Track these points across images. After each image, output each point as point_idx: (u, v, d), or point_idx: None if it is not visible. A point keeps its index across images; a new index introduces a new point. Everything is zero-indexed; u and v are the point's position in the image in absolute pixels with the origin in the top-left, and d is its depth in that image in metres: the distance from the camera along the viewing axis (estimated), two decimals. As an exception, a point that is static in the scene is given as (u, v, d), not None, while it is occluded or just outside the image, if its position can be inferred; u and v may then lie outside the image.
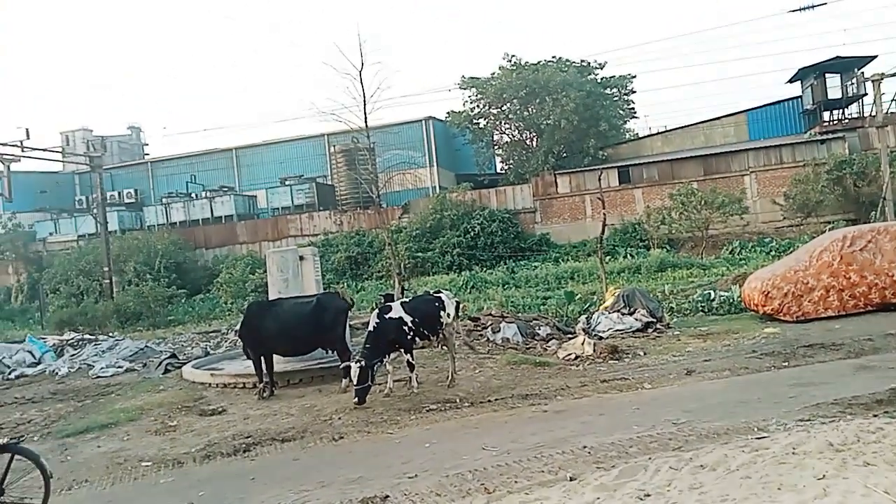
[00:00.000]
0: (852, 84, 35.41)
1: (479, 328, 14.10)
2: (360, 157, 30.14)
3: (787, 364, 9.97)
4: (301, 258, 13.32)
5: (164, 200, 42.31)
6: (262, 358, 10.79)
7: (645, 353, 11.72)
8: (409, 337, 10.00)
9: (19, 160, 27.64)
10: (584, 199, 34.64)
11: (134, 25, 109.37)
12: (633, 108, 43.43)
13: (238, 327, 11.56)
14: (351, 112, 20.21)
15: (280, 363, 11.42)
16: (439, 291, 11.08)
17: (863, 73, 33.25)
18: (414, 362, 10.19)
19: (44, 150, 29.20)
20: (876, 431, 5.98)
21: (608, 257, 27.53)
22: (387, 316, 10.00)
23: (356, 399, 9.34)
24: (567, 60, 40.17)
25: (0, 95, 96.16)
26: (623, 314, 13.98)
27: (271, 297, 12.66)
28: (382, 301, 11.39)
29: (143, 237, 36.84)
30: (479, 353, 12.57)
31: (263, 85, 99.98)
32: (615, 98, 42.00)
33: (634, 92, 42.38)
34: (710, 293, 16.80)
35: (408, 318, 10.00)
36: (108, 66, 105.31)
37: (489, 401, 9.50)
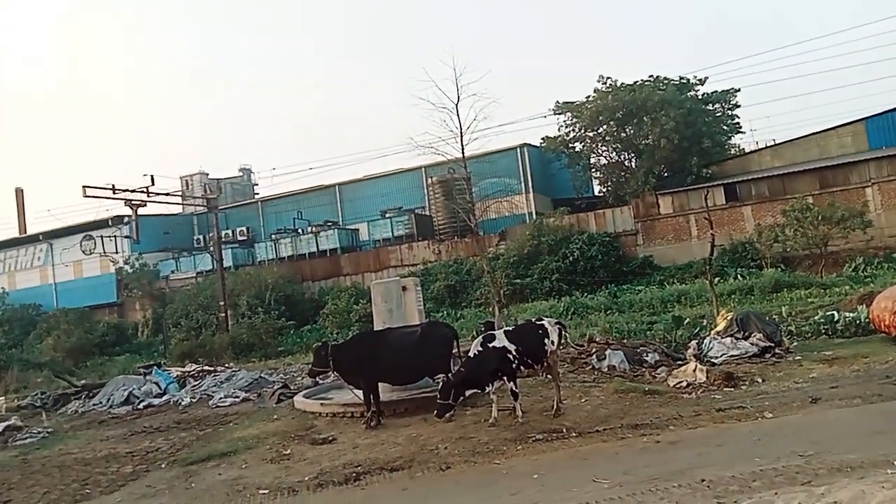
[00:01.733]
0: None
1: (583, 355, 13.79)
2: (456, 187, 30.58)
3: (927, 391, 9.11)
4: (404, 288, 13.57)
5: (273, 237, 44.53)
6: (368, 387, 11.03)
7: (763, 380, 11.05)
8: (513, 366, 9.94)
9: (145, 205, 30.06)
10: (688, 219, 33.40)
11: (247, 75, 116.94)
12: (737, 123, 41.67)
13: (316, 364, 11.58)
14: (447, 144, 20.58)
15: (386, 392, 11.62)
16: (541, 318, 10.95)
17: None
18: (518, 391, 10.10)
19: (166, 194, 31.64)
20: None
21: (718, 278, 26.30)
22: (490, 345, 10.00)
23: (435, 413, 9.66)
24: (665, 78, 39.21)
25: (130, 146, 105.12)
26: (737, 339, 13.27)
27: (376, 326, 12.94)
28: (483, 329, 11.42)
29: (254, 272, 38.88)
30: (584, 382, 12.29)
31: (364, 122, 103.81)
32: (718, 114, 40.47)
33: (739, 106, 40.69)
34: (833, 314, 15.66)
35: (511, 347, 9.96)
36: (223, 112, 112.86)
37: (597, 431, 9.23)
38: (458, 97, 19.37)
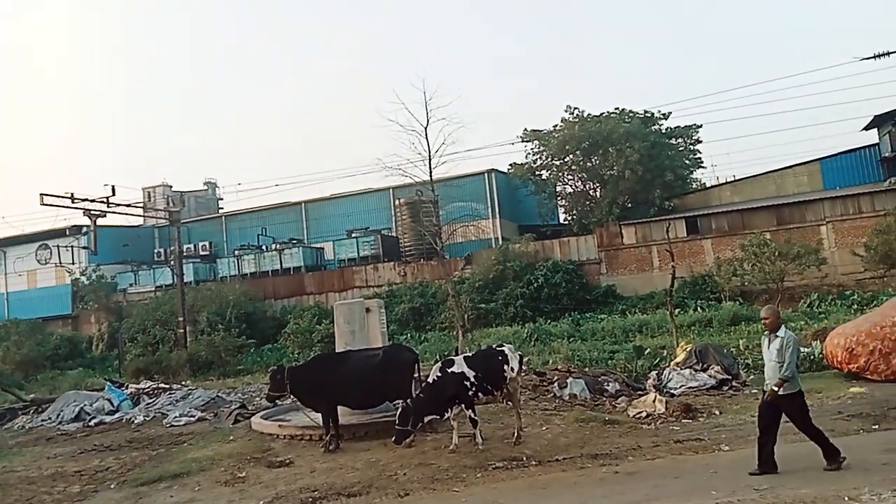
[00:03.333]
0: (935, 129, 33.95)
1: (545, 383, 13.85)
2: (423, 210, 30.65)
3: (876, 427, 9.37)
4: (367, 310, 13.48)
5: (236, 253, 43.88)
6: (328, 410, 10.88)
7: (721, 413, 11.24)
8: (470, 392, 9.93)
9: (105, 215, 29.36)
10: (650, 250, 34.01)
11: (215, 85, 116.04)
12: (699, 158, 42.68)
13: (273, 389, 11.30)
14: (416, 166, 20.69)
15: (345, 415, 11.48)
16: (502, 345, 11.00)
17: (947, 118, 31.89)
18: (477, 418, 10.08)
19: (127, 205, 30.95)
20: (984, 506, 5.52)
21: (677, 310, 26.75)
22: (449, 370, 9.99)
23: (394, 439, 9.62)
24: (630, 112, 40.13)
25: (91, 154, 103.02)
26: (696, 370, 13.49)
27: (338, 348, 12.82)
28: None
29: (215, 288, 38.19)
30: (545, 410, 12.33)
31: (333, 142, 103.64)
32: (680, 148, 41.46)
33: (700, 142, 41.73)
34: (788, 349, 16.01)
35: (470, 373, 9.96)
36: (189, 123, 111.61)
37: (557, 460, 9.26)
38: (428, 120, 19.56)
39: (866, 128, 37.32)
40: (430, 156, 19.70)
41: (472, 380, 9.98)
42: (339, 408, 11.12)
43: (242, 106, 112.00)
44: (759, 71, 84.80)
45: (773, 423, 7.72)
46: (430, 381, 10.04)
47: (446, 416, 10.07)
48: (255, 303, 37.76)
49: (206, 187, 60.05)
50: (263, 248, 43.62)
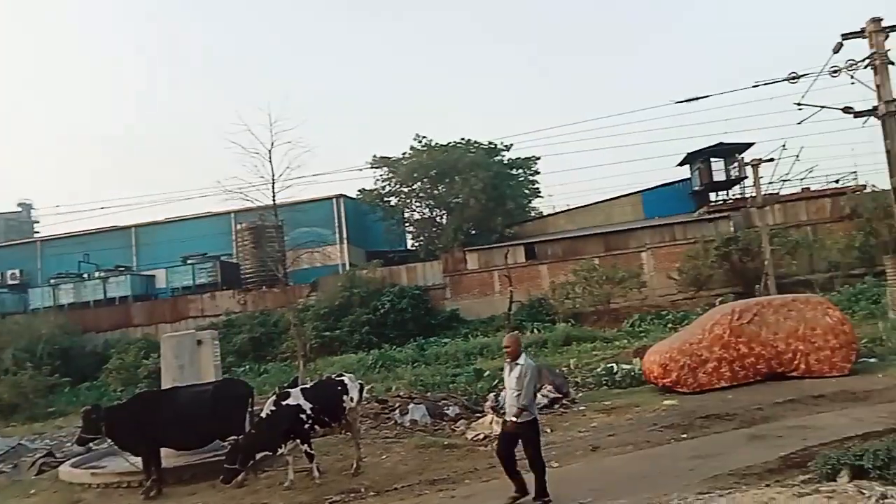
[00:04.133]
0: (734, 168, 38.56)
1: (386, 410, 13.72)
2: (267, 235, 29.60)
3: (685, 436, 10.20)
4: (199, 342, 12.66)
5: (52, 281, 39.71)
6: (150, 453, 9.99)
7: (552, 430, 11.70)
8: (306, 426, 9.56)
9: None
10: (492, 275, 35.25)
11: (30, 97, 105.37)
12: (537, 188, 45.22)
13: (85, 431, 10.22)
14: (258, 190, 19.94)
15: (170, 457, 10.61)
16: (342, 375, 10.76)
17: (742, 158, 36.38)
18: (313, 452, 9.71)
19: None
20: (768, 501, 6.12)
21: (516, 332, 27.85)
22: (284, 403, 9.56)
23: (221, 478, 9.07)
24: (475, 142, 41.72)
25: None
26: (530, 391, 13.98)
27: (164, 384, 11.90)
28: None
29: (25, 321, 34.29)
30: (386, 438, 12.18)
31: (169, 163, 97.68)
32: (521, 178, 43.69)
33: (539, 173, 44.27)
34: (612, 366, 17.17)
35: (307, 406, 9.59)
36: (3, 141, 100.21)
37: (395, 488, 9.14)
38: (272, 143, 18.94)
39: (680, 164, 41.61)
40: (273, 179, 19.07)
41: (309, 412, 9.62)
42: (164, 449, 10.26)
43: (66, 122, 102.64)
44: (591, 109, 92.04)
45: (514, 451, 7.68)
46: (264, 416, 9.55)
47: (280, 452, 9.59)
48: (72, 337, 34.35)
49: (19, 209, 54.09)
50: (85, 276, 39.83)
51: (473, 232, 39.61)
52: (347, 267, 38.34)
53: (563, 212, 43.66)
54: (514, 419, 7.45)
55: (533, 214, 45.69)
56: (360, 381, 10.76)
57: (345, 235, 41.07)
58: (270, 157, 19.01)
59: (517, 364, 7.55)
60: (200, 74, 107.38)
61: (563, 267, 33.91)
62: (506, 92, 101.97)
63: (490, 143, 42.05)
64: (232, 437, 9.72)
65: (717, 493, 6.93)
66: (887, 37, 16.78)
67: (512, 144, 42.31)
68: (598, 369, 17.44)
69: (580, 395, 14.93)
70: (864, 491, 5.70)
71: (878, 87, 16.88)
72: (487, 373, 18.63)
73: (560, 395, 13.75)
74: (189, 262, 38.92)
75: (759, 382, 13.53)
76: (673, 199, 41.41)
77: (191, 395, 10.59)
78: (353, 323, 32.09)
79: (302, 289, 35.79)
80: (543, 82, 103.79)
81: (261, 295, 36.18)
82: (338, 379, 10.49)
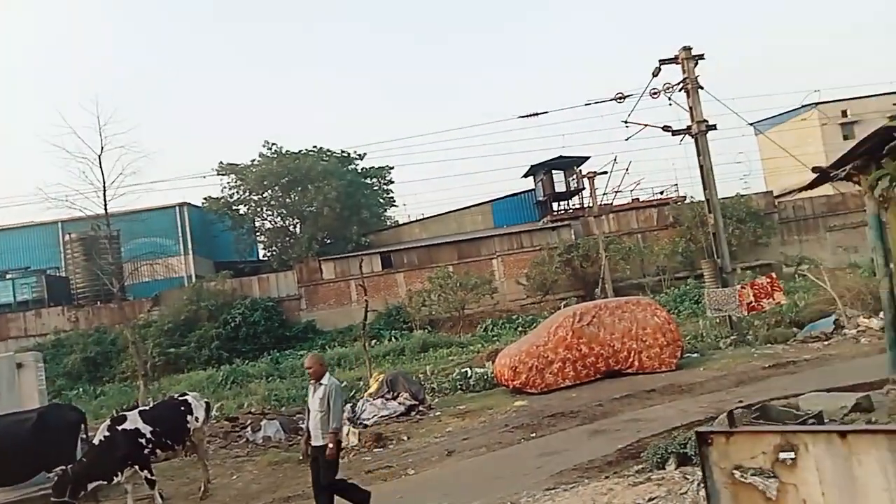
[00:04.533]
0: (573, 179, 41.17)
1: (237, 428, 13.16)
2: (100, 247, 27.32)
3: (534, 435, 10.73)
4: (19, 365, 11.45)
5: None
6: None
7: (409, 438, 11.84)
8: (146, 451, 8.93)
9: None
10: (349, 285, 34.93)
11: None
12: (392, 197, 45.58)
13: None
14: (88, 199, 18.42)
15: (-13, 496, 9.48)
16: (185, 394, 10.18)
17: (580, 170, 38.95)
18: (154, 478, 9.08)
19: None
20: (608, 492, 6.60)
21: (374, 341, 27.83)
22: (120, 428, 8.86)
23: None
24: (328, 150, 41.19)
25: None
26: (387, 399, 14.06)
27: (-23, 415, 10.58)
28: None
29: None
30: (237, 457, 11.69)
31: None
32: (375, 188, 43.79)
33: (393, 182, 44.64)
34: (467, 371, 17.67)
35: (146, 429, 8.96)
36: None
37: (248, 510, 8.80)
38: (102, 147, 17.57)
39: (525, 175, 43.75)
40: (104, 186, 17.69)
41: (149, 436, 8.99)
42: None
43: None
44: (443, 120, 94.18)
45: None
46: (96, 443, 8.80)
47: (117, 481, 8.87)
48: None
49: None
50: None
51: (328, 241, 39.07)
52: (193, 279, 36.29)
53: (417, 221, 44.28)
54: (332, 447, 6.87)
55: (388, 223, 45.94)
56: (206, 400, 10.24)
57: (189, 246, 38.87)
58: (100, 163, 17.65)
59: (321, 384, 7.07)
60: (14, 70, 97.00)
61: (418, 275, 34.38)
62: (358, 102, 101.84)
63: (343, 151, 41.78)
64: (60, 468, 8.86)
65: (562, 488, 7.36)
66: (696, 63, 18.82)
67: (366, 154, 42.40)
68: (454, 374, 17.87)
69: (436, 400, 15.22)
70: (688, 476, 6.31)
71: (690, 108, 18.90)
72: (344, 383, 18.40)
73: (416, 402, 13.93)
74: (8, 276, 34.93)
75: (599, 380, 14.53)
76: (520, 208, 43.50)
77: (9, 424, 9.53)
78: (202, 338, 30.44)
79: (143, 303, 33.41)
80: (396, 94, 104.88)
81: (95, 311, 33.26)
82: (181, 399, 9.92)
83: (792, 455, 3.24)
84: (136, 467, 8.84)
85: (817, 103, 44.87)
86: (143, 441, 8.88)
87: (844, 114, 46.44)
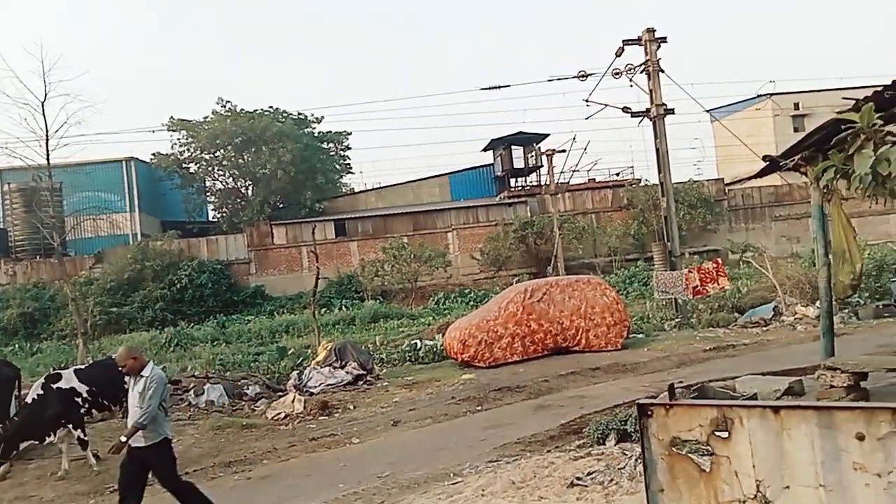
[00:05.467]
0: (532, 156, 41.32)
1: (179, 391, 12.91)
2: (41, 199, 26.23)
3: (480, 408, 10.84)
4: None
5: None
6: None
7: (355, 407, 11.82)
8: (82, 410, 8.69)
9: None
10: (300, 251, 34.52)
11: None
12: (349, 164, 44.96)
13: None
14: (30, 148, 17.56)
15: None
16: (125, 353, 9.91)
17: (539, 147, 39.09)
18: (87, 438, 8.85)
19: None
20: (548, 466, 6.71)
21: (324, 309, 27.65)
22: (54, 386, 8.59)
23: None
24: (284, 112, 40.24)
25: None
26: (335, 368, 13.98)
27: None
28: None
29: None
30: (179, 420, 11.46)
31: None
32: (332, 153, 43.06)
33: (350, 148, 43.99)
34: (416, 343, 17.71)
35: (82, 388, 8.71)
36: None
37: (186, 473, 8.62)
38: (46, 94, 16.69)
39: (484, 149, 43.68)
40: (47, 136, 16.86)
41: (85, 395, 8.74)
42: None
43: None
44: (402, 89, 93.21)
45: (136, 480, 6.13)
46: (29, 401, 8.51)
47: (49, 441, 8.62)
48: None
49: None
50: None
51: (281, 205, 38.41)
52: (139, 237, 35.27)
53: (373, 189, 43.91)
54: (123, 440, 6.00)
55: (344, 190, 45.39)
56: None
57: (136, 203, 37.70)
58: (44, 110, 16.80)
59: (141, 377, 6.09)
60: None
61: (372, 244, 34.19)
62: (317, 64, 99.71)
63: (300, 114, 40.88)
64: (-6, 426, 8.57)
65: (504, 461, 7.46)
66: (659, 46, 18.95)
67: (323, 117, 41.61)
68: (403, 346, 17.90)
69: (384, 371, 15.22)
70: (626, 452, 6.47)
71: (650, 91, 19.07)
72: (291, 351, 18.34)
73: (364, 372, 13.90)
74: (-60, 225, 33.38)
75: (546, 356, 14.74)
76: (478, 182, 43.51)
77: (-63, 380, 9.14)
78: (145, 298, 29.74)
79: (84, 260, 32.39)
80: (355, 58, 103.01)
81: (34, 265, 32.11)
82: (118, 358, 9.65)
83: (726, 434, 3.35)
84: (70, 427, 8.60)
85: (771, 94, 45.96)
86: (78, 400, 8.65)
87: (797, 106, 47.69)
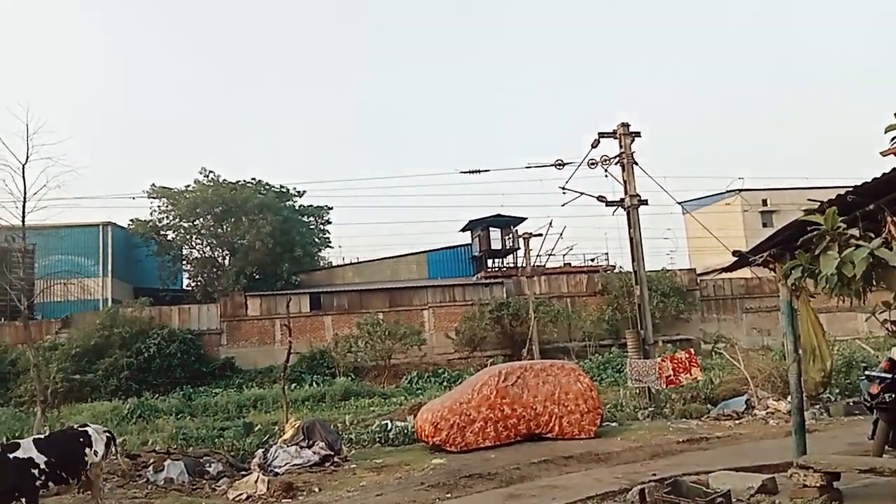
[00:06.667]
0: (510, 238, 41.95)
1: (139, 467, 12.40)
2: (12, 260, 25.78)
3: (449, 496, 10.51)
4: None
5: None
6: None
7: (320, 490, 11.40)
8: (38, 482, 8.30)
9: None
10: (274, 323, 34.09)
11: None
12: (328, 238, 45.15)
13: None
14: (4, 208, 17.41)
15: None
16: (86, 425, 9.58)
17: (516, 230, 39.74)
18: (39, 515, 8.41)
19: None
20: (518, 561, 6.50)
21: (294, 384, 27.08)
22: (11, 456, 8.22)
23: None
24: (266, 184, 40.65)
25: None
26: (302, 447, 13.56)
27: None
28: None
29: None
30: (135, 498, 10.97)
31: None
32: (311, 226, 43.30)
33: (330, 222, 44.30)
34: (387, 423, 17.30)
35: (40, 459, 8.34)
36: None
37: (139, 558, 8.22)
38: (27, 157, 16.68)
39: (462, 229, 44.29)
40: (24, 198, 16.75)
41: (43, 466, 8.36)
42: None
43: None
44: (384, 167, 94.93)
45: None
46: (-20, 473, 8.11)
47: (-5, 517, 8.17)
48: None
49: None
50: None
51: (257, 276, 38.18)
52: (110, 303, 34.66)
53: (351, 264, 44.01)
54: None
55: (322, 264, 45.36)
56: (107, 432, 9.64)
57: (109, 268, 37.26)
58: (24, 173, 16.76)
59: None
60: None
61: (347, 319, 33.92)
62: (300, 138, 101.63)
63: (282, 186, 41.33)
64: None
65: (474, 553, 7.21)
66: (633, 140, 19.72)
67: (305, 191, 42.03)
68: (374, 426, 17.45)
69: (353, 452, 14.79)
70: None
71: (625, 182, 19.67)
72: (258, 427, 17.81)
73: (332, 453, 13.49)
74: None
75: (519, 442, 14.46)
76: (455, 261, 43.87)
77: None
78: (111, 367, 28.93)
79: (51, 324, 31.60)
80: (340, 135, 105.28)
81: (-2, 327, 31.22)
82: (80, 429, 9.31)
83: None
84: (24, 501, 8.18)
85: (741, 190, 47.73)
86: (35, 472, 8.25)
87: (765, 202, 49.39)
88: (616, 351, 30.20)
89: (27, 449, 8.47)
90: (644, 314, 19.49)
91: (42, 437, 9.33)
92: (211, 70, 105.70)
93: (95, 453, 9.00)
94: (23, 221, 17.41)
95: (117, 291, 37.10)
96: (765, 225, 45.33)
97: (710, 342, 27.04)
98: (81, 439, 9.00)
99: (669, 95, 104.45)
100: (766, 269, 8.48)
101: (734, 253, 8.68)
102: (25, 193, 16.75)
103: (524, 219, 41.06)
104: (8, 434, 17.38)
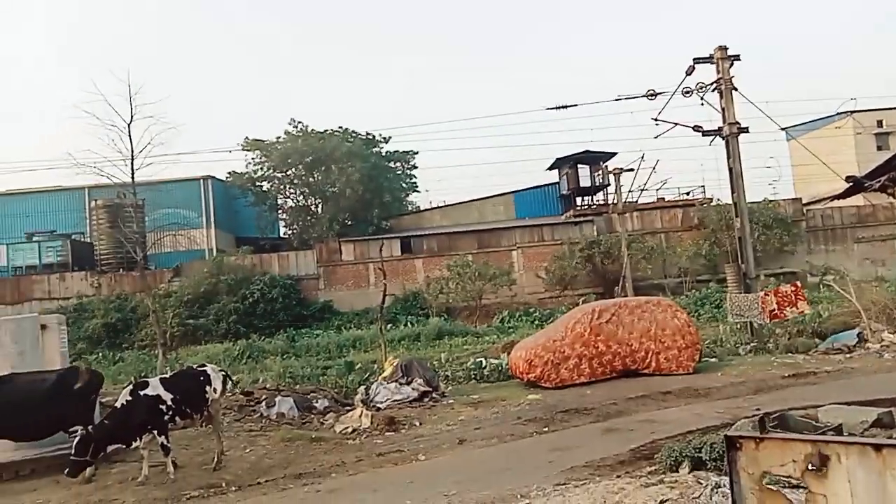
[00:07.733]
0: (599, 175, 40.84)
1: (252, 403, 13.29)
2: (125, 215, 27.69)
3: (546, 429, 10.70)
4: (43, 326, 11.62)
5: None
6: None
7: (421, 424, 11.86)
8: (166, 417, 9.08)
9: None
10: (367, 267, 35.10)
11: None
12: (415, 182, 45.61)
13: None
14: (115, 166, 18.64)
15: (7, 451, 9.69)
16: (204, 365, 10.31)
17: (606, 166, 38.58)
18: (169, 445, 9.22)
19: None
20: (619, 492, 6.56)
21: (390, 325, 27.96)
22: (142, 393, 9.01)
23: (66, 471, 8.41)
24: (353, 132, 41.26)
25: None
26: (401, 384, 14.09)
27: (1, 372, 10.81)
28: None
29: None
30: (251, 431, 11.81)
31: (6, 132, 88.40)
32: (398, 171, 43.80)
33: (416, 167, 44.66)
34: (482, 361, 17.66)
35: (167, 396, 9.11)
36: None
37: (258, 483, 8.88)
38: (132, 117, 17.70)
39: (549, 168, 43.46)
40: (132, 155, 17.85)
41: (170, 403, 9.13)
42: (1, 442, 9.37)
43: None
44: (469, 108, 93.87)
45: None
46: (118, 406, 8.95)
47: (135, 445, 9.03)
48: None
49: None
50: None
51: (349, 223, 39.24)
52: (214, 252, 36.68)
53: (438, 207, 44.30)
54: None
55: (410, 208, 45.97)
56: (223, 372, 10.36)
57: (212, 219, 39.23)
58: (129, 132, 17.81)
59: None
60: (45, 36, 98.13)
61: (437, 262, 34.42)
62: (385, 84, 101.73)
63: (368, 133, 41.86)
64: (78, 428, 9.03)
65: (573, 484, 7.33)
66: (732, 64, 18.45)
67: (391, 137, 42.44)
68: (468, 364, 17.86)
69: (450, 388, 15.21)
70: (701, 481, 6.25)
71: (723, 109, 18.56)
72: (359, 365, 18.59)
73: (430, 389, 13.94)
74: (34, 239, 35.57)
75: (614, 378, 14.43)
76: (543, 201, 43.26)
77: (29, 383, 9.71)
78: (220, 311, 30.80)
79: (164, 273, 33.85)
80: (422, 77, 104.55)
81: (117, 278, 33.77)
82: (200, 369, 10.04)
83: (821, 470, 3.19)
84: (155, 433, 8.99)
85: (852, 112, 44.00)
86: (163, 408, 9.03)
87: (880, 124, 45.51)
88: (714, 286, 29.24)
89: (155, 387, 9.24)
90: (745, 247, 18.66)
91: (167, 376, 10.12)
92: (297, 20, 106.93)
93: (214, 391, 9.71)
94: (132, 177, 18.61)
95: (221, 241, 39.15)
96: (880, 148, 41.90)
97: (817, 274, 25.63)
98: (202, 378, 9.72)
99: (770, 14, 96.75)
100: (883, 194, 7.88)
101: (847, 179, 8.12)
102: (133, 151, 17.84)
103: (614, 154, 39.82)
104: (134, 374, 19.04)
